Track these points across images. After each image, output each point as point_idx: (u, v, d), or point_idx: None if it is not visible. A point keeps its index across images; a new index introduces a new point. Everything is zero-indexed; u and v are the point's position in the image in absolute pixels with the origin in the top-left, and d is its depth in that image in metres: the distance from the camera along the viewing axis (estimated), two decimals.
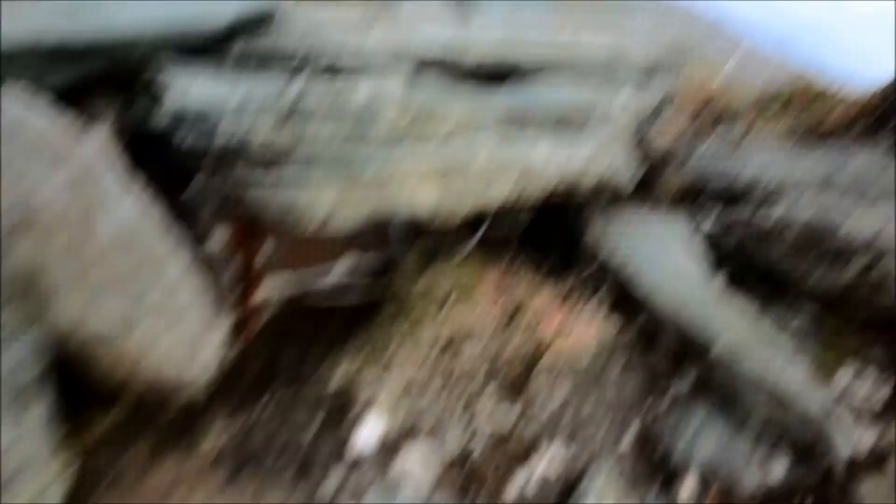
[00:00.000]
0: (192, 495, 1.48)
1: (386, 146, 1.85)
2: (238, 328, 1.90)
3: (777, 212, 2.23)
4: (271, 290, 2.05)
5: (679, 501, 1.66)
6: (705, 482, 1.69)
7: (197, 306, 1.64)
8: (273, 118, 1.76)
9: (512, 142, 2.09)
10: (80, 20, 1.93)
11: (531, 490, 1.65)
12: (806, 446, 1.73)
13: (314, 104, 1.79)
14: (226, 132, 1.75)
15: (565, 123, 2.34)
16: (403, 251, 2.17)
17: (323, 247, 2.14)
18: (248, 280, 1.97)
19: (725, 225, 2.36)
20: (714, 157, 2.90)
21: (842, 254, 2.09)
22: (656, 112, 2.83)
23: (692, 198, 2.77)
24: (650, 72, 2.80)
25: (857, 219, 2.14)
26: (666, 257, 2.24)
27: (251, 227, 1.93)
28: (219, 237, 1.89)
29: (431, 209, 1.90)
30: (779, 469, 1.71)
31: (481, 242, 2.23)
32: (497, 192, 2.00)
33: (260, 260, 1.98)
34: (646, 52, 2.81)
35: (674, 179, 2.87)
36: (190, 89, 1.86)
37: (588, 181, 2.20)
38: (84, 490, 1.40)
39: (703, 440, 1.75)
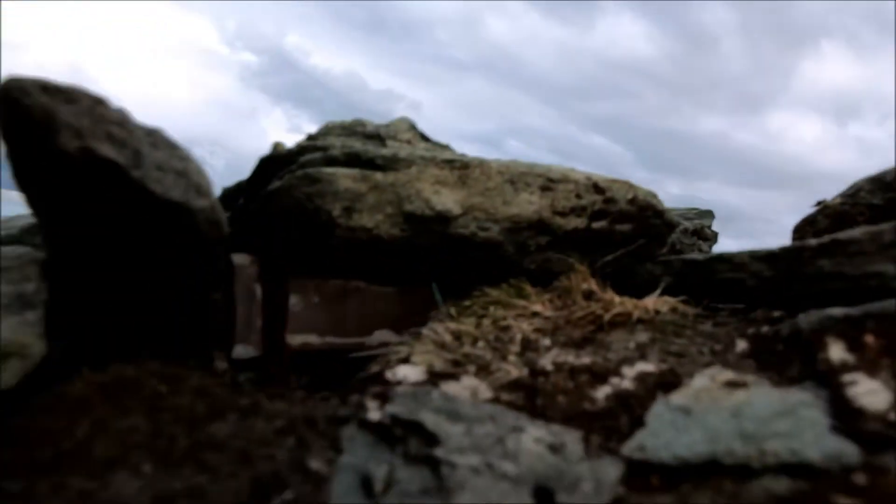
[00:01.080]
0: None
1: (398, 151, 1.93)
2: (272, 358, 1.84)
3: None
4: (303, 341, 1.91)
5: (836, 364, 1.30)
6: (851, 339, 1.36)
7: None
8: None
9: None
10: None
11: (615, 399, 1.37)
12: None
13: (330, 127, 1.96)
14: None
15: None
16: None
17: (354, 319, 1.98)
18: (278, 314, 1.91)
19: None
20: None
21: None
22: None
23: None
24: None
25: None
26: None
27: (272, 268, 1.91)
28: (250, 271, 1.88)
29: (458, 213, 1.84)
30: None
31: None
32: (526, 201, 1.92)
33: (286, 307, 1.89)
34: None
35: None
36: None
37: (625, 196, 2.04)
38: None
39: None
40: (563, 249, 2.03)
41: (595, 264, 1.92)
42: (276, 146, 1.86)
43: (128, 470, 1.02)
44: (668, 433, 0.98)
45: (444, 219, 1.83)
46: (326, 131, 1.87)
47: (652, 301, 1.63)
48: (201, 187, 1.29)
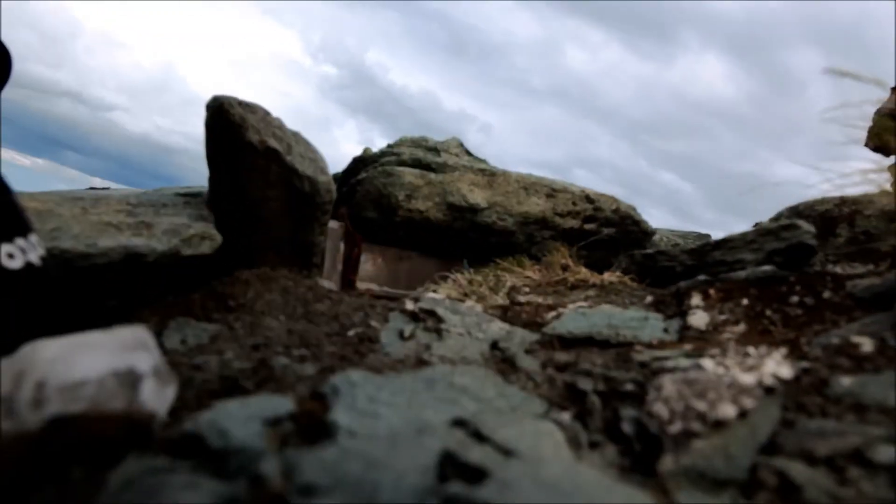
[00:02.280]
0: None
1: (447, 160, 2.74)
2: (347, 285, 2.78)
3: None
4: (367, 287, 2.76)
5: (692, 305, 2.12)
6: (704, 293, 2.17)
7: None
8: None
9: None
10: None
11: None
12: None
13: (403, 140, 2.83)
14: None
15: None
16: None
17: (405, 277, 2.89)
18: (353, 264, 2.76)
19: None
20: None
21: None
22: None
23: None
24: None
25: None
26: None
27: (352, 232, 2.77)
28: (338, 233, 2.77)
29: (484, 206, 2.61)
30: None
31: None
32: (534, 203, 2.67)
33: (358, 261, 2.77)
34: None
35: None
36: None
37: (610, 206, 2.80)
38: None
39: None
40: (562, 242, 2.79)
41: (580, 251, 2.68)
42: (365, 150, 2.72)
43: (271, 317, 1.87)
44: (568, 322, 1.74)
45: (474, 210, 2.63)
46: (400, 143, 2.72)
47: (607, 275, 2.37)
48: (324, 169, 2.15)
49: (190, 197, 2.78)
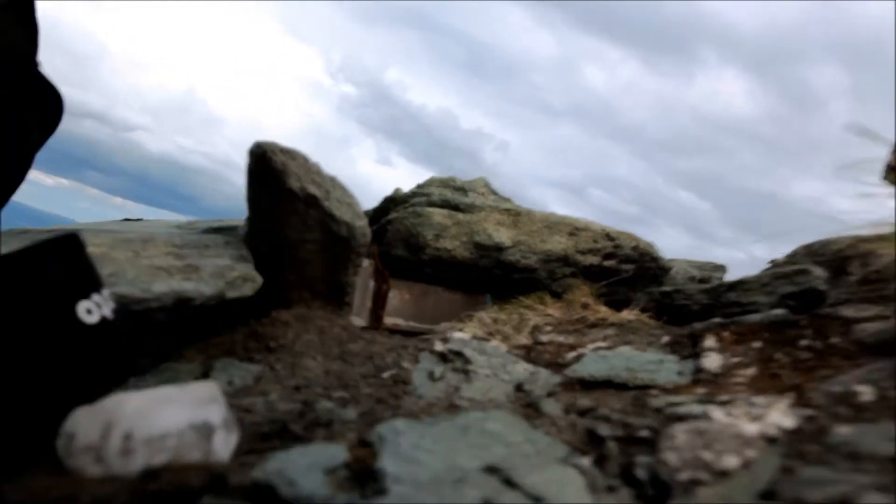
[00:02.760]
0: None
1: (475, 200, 2.90)
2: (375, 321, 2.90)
3: None
4: (394, 322, 2.90)
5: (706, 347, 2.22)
6: (718, 335, 2.27)
7: None
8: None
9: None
10: None
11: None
12: None
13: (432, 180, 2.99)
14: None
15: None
16: None
17: (430, 312, 3.01)
18: (381, 301, 2.88)
19: None
20: None
21: None
22: None
23: None
24: None
25: None
26: None
27: (382, 270, 2.89)
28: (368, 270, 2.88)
29: (509, 245, 2.77)
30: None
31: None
32: (557, 241, 2.82)
33: (386, 297, 2.89)
34: None
35: None
36: None
37: (630, 244, 2.93)
38: None
39: None
40: (582, 279, 2.91)
41: (599, 289, 2.79)
42: (396, 191, 2.88)
43: (309, 357, 2.01)
44: (589, 365, 1.86)
45: (499, 248, 2.77)
46: (429, 183, 2.88)
47: (626, 313, 2.48)
48: (360, 214, 2.30)
49: (226, 233, 2.94)
